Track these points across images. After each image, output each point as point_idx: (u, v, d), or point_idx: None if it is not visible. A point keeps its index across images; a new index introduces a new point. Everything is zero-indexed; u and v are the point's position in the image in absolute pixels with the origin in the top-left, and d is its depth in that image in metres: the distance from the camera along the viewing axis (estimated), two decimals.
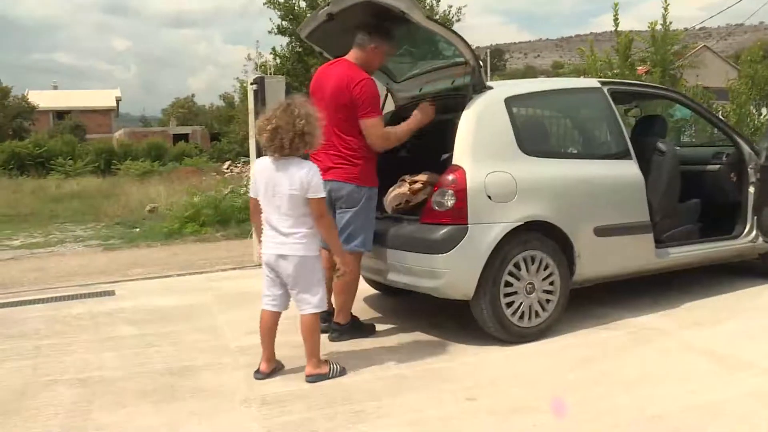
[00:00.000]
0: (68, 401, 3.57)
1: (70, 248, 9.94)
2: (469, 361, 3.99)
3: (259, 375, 3.82)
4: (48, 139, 35.15)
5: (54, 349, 4.49)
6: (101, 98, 54.63)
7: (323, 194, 3.66)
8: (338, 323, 4.41)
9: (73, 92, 58.50)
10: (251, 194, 3.83)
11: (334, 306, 4.42)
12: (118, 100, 56.59)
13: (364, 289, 5.53)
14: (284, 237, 3.65)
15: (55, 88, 60.80)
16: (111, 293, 6.21)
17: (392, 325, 4.74)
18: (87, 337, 4.78)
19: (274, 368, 3.86)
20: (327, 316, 4.37)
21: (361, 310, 5.18)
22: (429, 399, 3.44)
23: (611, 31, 11.04)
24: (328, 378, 3.74)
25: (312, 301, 3.73)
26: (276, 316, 3.84)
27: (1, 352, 4.47)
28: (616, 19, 10.58)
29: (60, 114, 49.26)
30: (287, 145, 3.56)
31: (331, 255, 3.93)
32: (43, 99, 46.56)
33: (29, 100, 42.71)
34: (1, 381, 3.93)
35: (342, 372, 3.81)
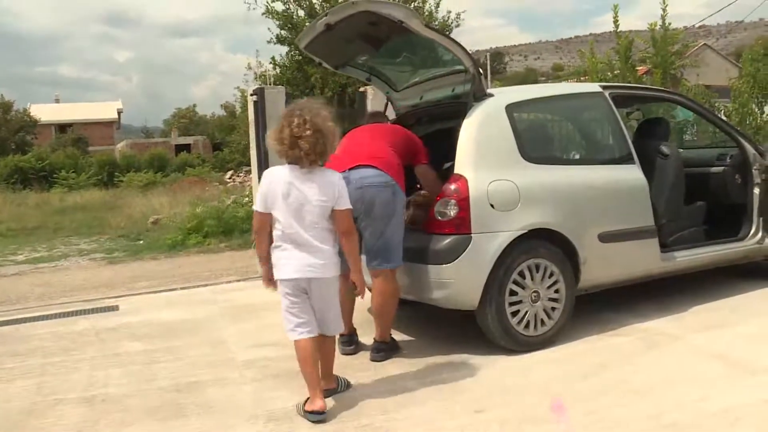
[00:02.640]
0: (75, 420, 3.56)
1: (74, 262, 9.94)
2: (478, 372, 3.95)
3: (322, 416, 3.35)
4: (50, 153, 35.21)
5: (60, 367, 4.48)
6: (103, 110, 54.75)
7: (351, 206, 3.50)
8: (383, 342, 4.30)
9: (75, 105, 58.65)
10: (260, 208, 3.43)
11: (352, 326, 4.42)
12: (119, 112, 56.69)
13: (367, 300, 5.51)
14: (312, 256, 3.37)
15: (57, 101, 60.87)
16: (115, 308, 6.20)
17: (398, 337, 4.70)
18: (92, 353, 4.76)
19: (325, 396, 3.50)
20: (351, 337, 4.40)
21: (365, 322, 5.15)
22: (438, 411, 3.41)
23: (611, 32, 11.03)
24: (337, 392, 3.68)
25: (334, 323, 3.58)
26: (316, 341, 3.49)
27: (8, 371, 4.47)
28: (616, 21, 10.57)
29: (62, 127, 49.38)
30: (328, 150, 3.38)
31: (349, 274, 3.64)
32: (45, 112, 46.64)
33: (31, 114, 42.78)
34: (9, 400, 3.92)
35: (348, 386, 3.76)
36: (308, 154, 3.30)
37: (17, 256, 10.81)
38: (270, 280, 3.53)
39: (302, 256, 3.37)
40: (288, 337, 3.51)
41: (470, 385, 3.75)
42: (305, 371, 3.43)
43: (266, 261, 3.51)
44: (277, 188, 3.36)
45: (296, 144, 3.29)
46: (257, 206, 3.46)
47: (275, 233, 3.43)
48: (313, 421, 3.32)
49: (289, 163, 3.38)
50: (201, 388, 3.93)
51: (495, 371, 3.95)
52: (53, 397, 3.92)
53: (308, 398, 3.42)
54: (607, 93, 4.92)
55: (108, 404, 3.76)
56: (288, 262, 3.39)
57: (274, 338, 4.82)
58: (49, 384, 4.15)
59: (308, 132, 3.29)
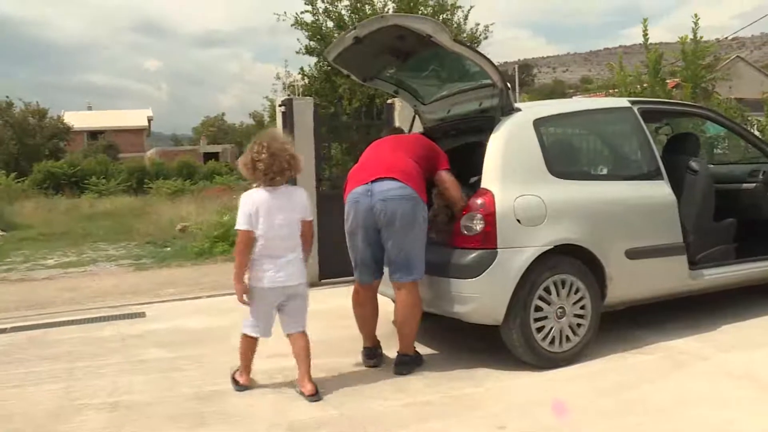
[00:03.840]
0: (99, 426, 3.59)
1: (102, 267, 10.08)
2: (499, 387, 3.93)
3: (244, 390, 4.03)
4: (82, 159, 35.78)
5: (86, 372, 4.53)
6: (133, 118, 55.48)
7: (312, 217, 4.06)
8: (406, 354, 4.27)
9: (107, 112, 59.47)
10: (246, 227, 3.81)
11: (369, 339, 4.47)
12: (149, 120, 57.42)
13: (392, 311, 5.50)
14: (293, 265, 3.87)
15: (90, 108, 61.84)
16: (142, 315, 6.27)
17: (422, 350, 4.69)
18: (118, 359, 4.81)
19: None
20: (373, 350, 4.41)
21: (388, 333, 5.14)
22: (458, 426, 3.39)
23: (641, 44, 10.93)
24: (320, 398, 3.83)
25: (305, 322, 4.00)
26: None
27: (36, 374, 4.53)
28: (645, 35, 10.48)
29: (94, 134, 50.13)
30: (286, 167, 3.81)
31: (375, 288, 4.30)
32: (77, 119, 47.33)
33: (65, 121, 43.50)
34: (36, 403, 3.97)
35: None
36: (266, 173, 3.78)
37: (47, 261, 10.98)
38: (245, 295, 3.91)
39: (287, 266, 3.85)
40: (244, 332, 4.05)
41: (492, 401, 3.72)
42: (246, 356, 4.07)
43: (242, 278, 3.88)
44: (259, 208, 3.80)
45: (255, 166, 3.79)
46: (244, 225, 3.82)
47: (255, 249, 3.82)
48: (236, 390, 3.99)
49: (258, 186, 3.88)
50: (223, 396, 3.96)
51: (517, 387, 3.93)
52: (79, 402, 3.96)
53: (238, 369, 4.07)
54: (635, 108, 4.88)
55: (131, 410, 3.79)
56: (276, 273, 3.83)
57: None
58: (75, 388, 4.20)
59: (264, 155, 3.78)
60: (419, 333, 4.36)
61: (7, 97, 41.44)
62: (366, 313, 4.38)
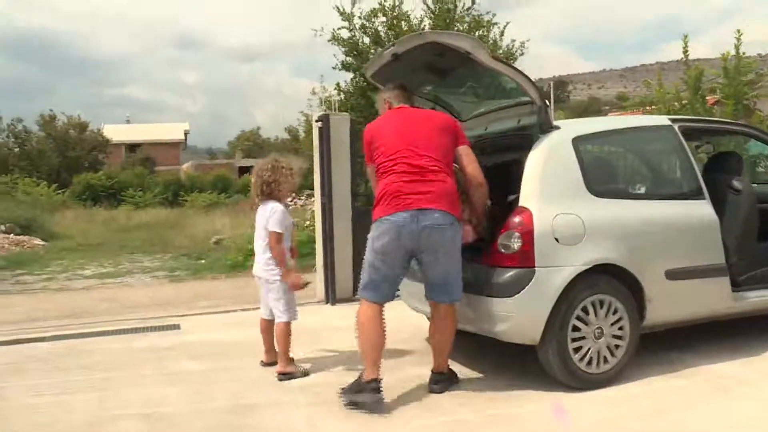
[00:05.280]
0: None
1: (138, 279, 10.22)
2: (533, 408, 3.86)
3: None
4: (120, 172, 36.45)
5: (120, 383, 4.58)
6: (170, 131, 56.36)
7: (278, 230, 4.59)
8: (441, 373, 4.24)
9: (145, 126, 60.48)
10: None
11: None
12: (186, 133, 58.29)
13: (421, 327, 5.47)
14: (258, 261, 4.74)
15: (128, 122, 63.03)
16: (176, 327, 6.32)
17: (455, 368, 4.64)
18: (152, 371, 4.84)
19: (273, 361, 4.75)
20: (380, 383, 4.00)
21: (423, 351, 5.11)
22: None
23: (678, 60, 10.77)
24: (296, 378, 4.51)
25: (281, 312, 4.62)
26: (270, 322, 4.77)
27: (72, 383, 4.59)
28: (685, 51, 10.32)
29: (132, 147, 51.02)
30: (264, 189, 4.68)
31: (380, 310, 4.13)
32: (116, 133, 48.26)
33: (104, 134, 44.37)
34: (72, 412, 4.01)
35: (305, 374, 4.60)
36: (254, 195, 4.81)
37: (85, 271, 11.17)
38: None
39: (258, 262, 4.79)
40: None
41: (526, 421, 3.66)
42: (263, 337, 4.87)
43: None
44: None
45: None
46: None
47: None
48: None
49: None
50: (255, 410, 3.95)
51: (551, 408, 3.85)
52: (113, 412, 4.00)
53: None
54: (676, 126, 4.81)
55: (164, 422, 3.81)
56: (254, 266, 4.84)
57: (329, 363, 4.84)
58: (110, 399, 4.24)
59: (252, 180, 4.81)
60: (456, 351, 4.33)
61: (51, 110, 42.48)
62: (380, 334, 4.08)
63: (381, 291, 4.12)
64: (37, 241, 15.40)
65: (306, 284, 4.80)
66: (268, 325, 4.80)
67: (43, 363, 5.14)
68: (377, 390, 3.89)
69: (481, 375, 4.50)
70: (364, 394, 3.87)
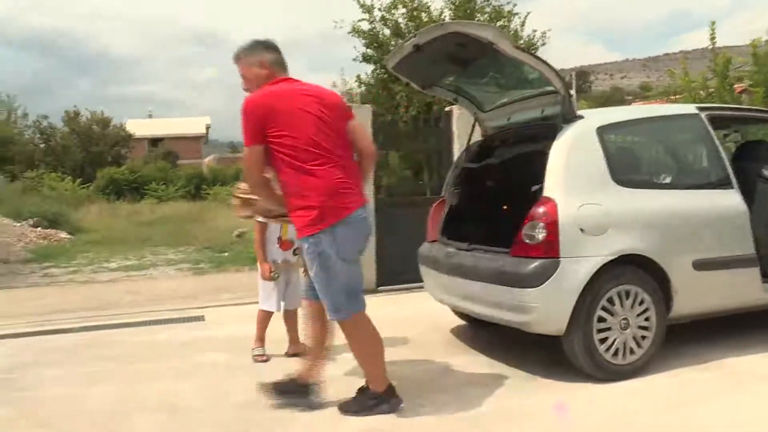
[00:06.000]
0: (152, 428, 3.63)
1: (162, 271, 10.28)
2: (557, 399, 3.82)
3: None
4: (142, 166, 36.70)
5: (143, 374, 4.60)
6: (192, 125, 56.62)
7: (259, 220, 4.59)
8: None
9: (166, 120, 60.84)
10: None
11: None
12: (208, 127, 58.55)
13: (451, 320, 5.47)
14: None
15: (150, 116, 63.42)
16: (201, 318, 6.36)
17: (477, 358, 4.64)
18: (175, 363, 4.87)
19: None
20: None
21: (445, 342, 5.10)
22: None
23: (702, 49, 10.59)
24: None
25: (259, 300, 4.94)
26: (289, 312, 4.99)
27: (95, 374, 4.63)
28: (713, 38, 10.14)
29: (154, 141, 51.37)
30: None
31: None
32: (139, 127, 48.59)
33: (127, 129, 44.71)
34: (93, 404, 4.04)
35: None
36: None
37: (110, 264, 11.26)
38: None
39: None
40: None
41: (548, 413, 3.63)
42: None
43: None
44: None
45: None
46: None
47: None
48: None
49: None
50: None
51: (576, 400, 3.81)
52: (135, 403, 4.02)
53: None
54: (703, 115, 4.73)
55: (186, 413, 3.82)
56: None
57: (348, 355, 4.79)
58: (132, 390, 4.25)
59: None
60: (479, 340, 4.30)
61: (75, 106, 42.90)
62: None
63: (361, 298, 3.72)
64: (64, 235, 15.56)
65: (274, 278, 4.79)
66: (290, 316, 4.95)
67: (70, 354, 5.20)
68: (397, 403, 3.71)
69: (504, 365, 4.45)
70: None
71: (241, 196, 4.22)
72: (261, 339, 4.93)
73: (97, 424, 3.72)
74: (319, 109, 3.55)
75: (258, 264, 4.90)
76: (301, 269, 4.80)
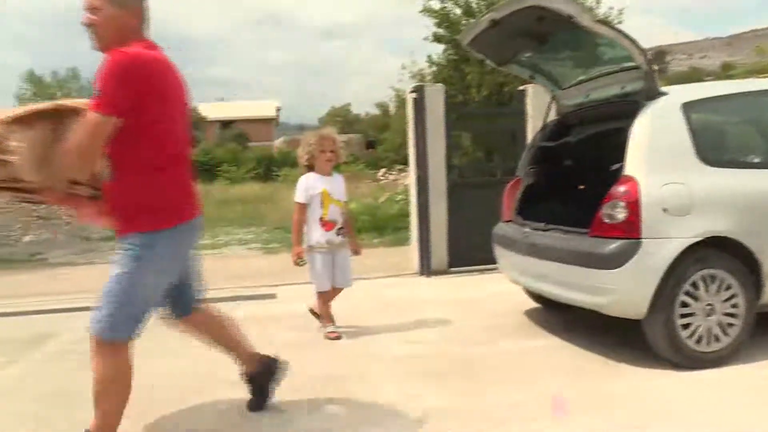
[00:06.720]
0: (228, 402, 3.69)
1: (234, 250, 10.49)
2: (637, 385, 3.70)
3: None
4: (214, 148, 37.50)
5: (217, 350, 4.68)
6: (263, 108, 57.44)
7: (296, 200, 4.94)
8: None
9: (237, 103, 61.91)
10: None
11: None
12: (278, 110, 59.33)
13: (522, 300, 5.38)
14: None
15: (222, 99, 64.67)
16: (273, 296, 6.44)
17: (552, 342, 4.54)
18: (249, 339, 4.93)
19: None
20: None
21: (519, 324, 5.02)
22: (592, 425, 3.22)
23: None
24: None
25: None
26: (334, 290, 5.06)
27: (171, 348, 4.73)
28: None
29: (225, 124, 52.37)
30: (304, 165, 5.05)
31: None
32: (210, 110, 49.64)
33: (199, 112, 45.74)
34: (169, 377, 4.16)
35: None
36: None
37: None
38: None
39: None
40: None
41: (629, 399, 3.50)
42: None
43: None
44: None
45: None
46: None
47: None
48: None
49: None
50: (346, 381, 3.96)
51: (657, 386, 3.67)
52: (209, 378, 4.09)
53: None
54: None
55: None
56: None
57: (421, 336, 4.83)
58: (205, 365, 4.29)
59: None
60: (554, 323, 4.19)
61: None
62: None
63: (144, 322, 3.00)
64: None
65: (300, 264, 4.93)
66: (334, 293, 5.05)
67: (147, 328, 5.32)
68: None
69: (580, 349, 4.34)
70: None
71: None
72: (329, 317, 4.97)
73: (174, 396, 3.81)
74: (186, 95, 2.97)
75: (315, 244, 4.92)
76: (349, 249, 4.91)
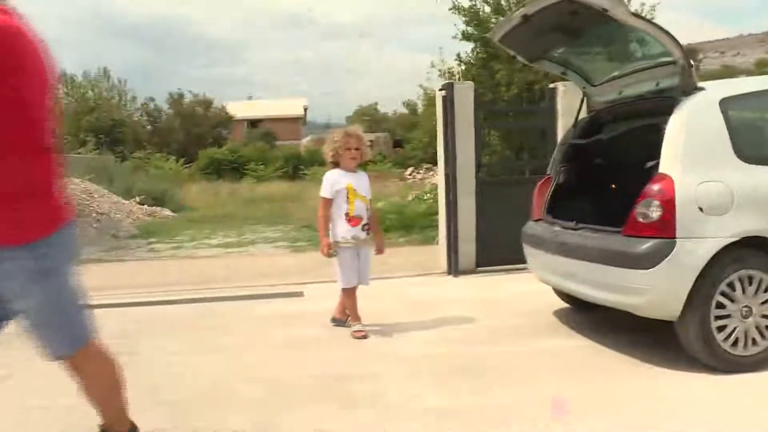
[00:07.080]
0: (253, 398, 3.66)
1: (261, 248, 10.51)
2: (671, 387, 3.62)
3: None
4: (242, 146, 37.76)
5: (243, 346, 4.71)
6: (290, 107, 57.64)
7: (322, 195, 4.99)
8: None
9: (265, 102, 62.18)
10: None
11: None
12: (305, 109, 59.50)
13: (553, 302, 5.30)
14: None
15: (250, 98, 65.01)
16: (300, 294, 6.43)
17: (583, 342, 4.46)
18: (276, 336, 4.94)
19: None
20: None
21: (548, 325, 4.94)
22: (623, 425, 3.14)
23: None
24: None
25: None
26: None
27: (199, 344, 4.79)
28: None
29: (253, 122, 52.67)
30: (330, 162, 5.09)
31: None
32: (238, 109, 49.96)
33: (227, 111, 46.10)
34: (197, 372, 4.15)
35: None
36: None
37: (211, 240, 11.63)
38: None
39: None
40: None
41: (664, 400, 3.42)
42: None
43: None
44: None
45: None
46: None
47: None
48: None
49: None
50: (373, 378, 3.93)
51: (691, 389, 3.58)
52: (234, 374, 4.09)
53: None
54: None
55: (284, 385, 3.84)
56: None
57: (443, 335, 4.81)
58: (231, 361, 4.36)
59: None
60: (585, 324, 4.12)
61: (179, 89, 44.65)
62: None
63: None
64: (167, 212, 16.23)
65: (332, 255, 4.88)
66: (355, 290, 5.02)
67: (175, 324, 5.37)
68: None
69: (611, 350, 4.26)
70: None
71: None
72: (356, 315, 4.92)
73: (202, 391, 3.80)
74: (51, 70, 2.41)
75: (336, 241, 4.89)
76: (373, 247, 4.93)
